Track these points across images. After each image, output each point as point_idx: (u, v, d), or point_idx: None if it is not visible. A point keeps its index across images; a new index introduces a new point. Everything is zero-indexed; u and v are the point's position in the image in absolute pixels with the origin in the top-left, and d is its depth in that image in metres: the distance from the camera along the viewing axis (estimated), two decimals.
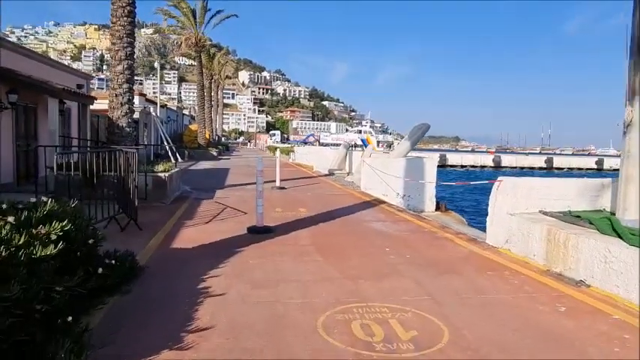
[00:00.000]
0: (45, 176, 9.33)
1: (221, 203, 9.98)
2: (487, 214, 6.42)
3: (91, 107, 24.63)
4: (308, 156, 24.58)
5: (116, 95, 10.24)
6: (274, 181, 15.14)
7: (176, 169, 11.03)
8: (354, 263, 5.41)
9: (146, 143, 26.00)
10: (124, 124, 10.24)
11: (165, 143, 26.61)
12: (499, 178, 6.39)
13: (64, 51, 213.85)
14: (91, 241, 3.92)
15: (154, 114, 26.87)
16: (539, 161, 73.33)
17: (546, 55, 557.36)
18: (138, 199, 9.13)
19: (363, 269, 5.14)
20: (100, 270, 3.95)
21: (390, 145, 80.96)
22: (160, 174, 9.66)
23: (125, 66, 10.23)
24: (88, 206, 6.31)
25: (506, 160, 73.86)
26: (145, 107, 27.34)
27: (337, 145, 66.39)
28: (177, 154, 27.06)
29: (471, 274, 5.02)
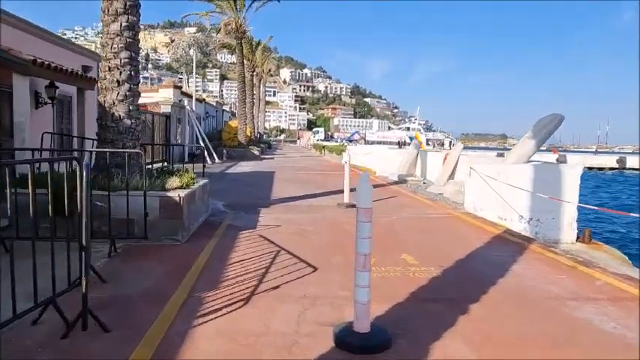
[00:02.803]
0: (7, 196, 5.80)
1: (269, 240, 6.17)
2: None
3: None
4: (368, 157, 20.52)
5: (109, 69, 6.64)
6: (336, 191, 11.26)
7: (201, 183, 7.33)
8: None
9: (179, 142, 22.79)
10: (123, 114, 6.63)
11: (201, 141, 23.32)
12: None
13: None
14: None
15: (188, 108, 23.59)
16: (610, 161, 66.53)
17: (600, 50, 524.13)
18: (129, 237, 5.47)
19: None
20: None
21: (442, 144, 75.54)
22: (171, 193, 5.95)
23: (124, 24, 6.62)
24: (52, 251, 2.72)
25: (573, 160, 67.26)
26: (179, 100, 24.18)
27: (383, 143, 62.05)
28: (215, 154, 23.77)
29: None
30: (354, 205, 9.61)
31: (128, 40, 6.69)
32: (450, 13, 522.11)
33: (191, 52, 32.16)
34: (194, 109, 25.68)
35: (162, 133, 20.61)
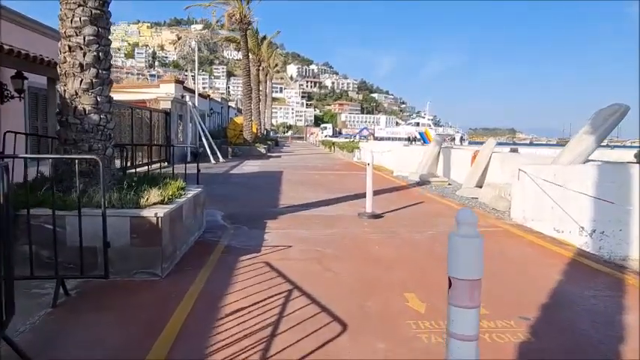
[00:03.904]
0: None
1: (277, 271, 4.66)
2: None
3: (123, 99, 20.14)
4: (383, 155, 18.93)
5: (70, 49, 5.18)
6: (353, 196, 9.75)
7: (192, 193, 5.83)
8: None
9: (181, 140, 21.36)
10: (88, 107, 5.16)
11: (204, 139, 21.87)
12: None
13: (119, 49, 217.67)
14: None
15: (190, 103, 22.13)
16: (628, 155, 64.29)
17: (611, 40, 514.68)
18: (83, 276, 4.00)
19: None
20: None
21: (452, 139, 73.48)
22: (146, 212, 4.45)
23: None
24: None
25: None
26: (182, 96, 22.73)
27: (392, 138, 60.11)
28: (218, 153, 22.32)
29: None
30: (377, 216, 8.09)
31: (94, 11, 5.18)
32: (458, 9, 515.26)
33: (192, 43, 30.68)
34: (197, 104, 24.23)
35: (162, 131, 19.20)
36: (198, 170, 7.06)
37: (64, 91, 5.19)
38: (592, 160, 8.60)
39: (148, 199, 4.74)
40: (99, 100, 5.26)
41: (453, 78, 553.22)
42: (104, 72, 5.34)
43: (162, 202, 4.86)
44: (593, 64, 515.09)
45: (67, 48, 5.17)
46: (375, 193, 9.17)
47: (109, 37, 5.47)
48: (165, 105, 19.59)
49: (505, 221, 7.74)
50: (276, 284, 4.29)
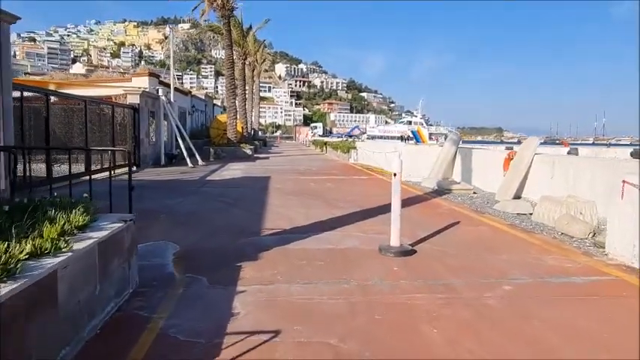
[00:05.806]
0: None
1: None
2: None
3: (93, 94, 17.36)
4: (387, 156, 16.33)
5: None
6: (363, 213, 7.05)
7: (95, 238, 3.18)
8: None
9: (153, 140, 18.55)
10: None
11: (180, 140, 19.12)
12: None
13: (105, 48, 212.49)
14: None
15: (164, 98, 19.30)
16: (624, 153, 62.63)
17: (596, 39, 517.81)
18: None
19: None
20: None
21: (446, 139, 71.30)
22: None
23: None
24: None
25: (584, 153, 63.25)
26: (156, 89, 19.93)
27: (384, 137, 57.57)
28: (198, 155, 19.58)
29: None
30: (408, 252, 5.23)
31: None
32: (444, 9, 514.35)
33: (167, 30, 27.88)
34: (173, 100, 21.43)
35: (129, 129, 16.40)
36: (131, 188, 4.39)
37: None
38: None
39: None
40: None
41: (441, 77, 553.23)
42: None
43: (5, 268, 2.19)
44: (579, 63, 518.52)
45: None
46: (389, 207, 6.53)
47: None
48: (133, 99, 16.77)
49: (600, 259, 5.17)
50: None
